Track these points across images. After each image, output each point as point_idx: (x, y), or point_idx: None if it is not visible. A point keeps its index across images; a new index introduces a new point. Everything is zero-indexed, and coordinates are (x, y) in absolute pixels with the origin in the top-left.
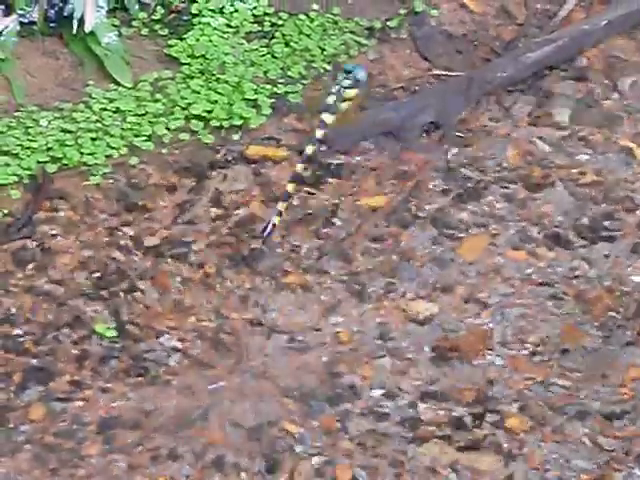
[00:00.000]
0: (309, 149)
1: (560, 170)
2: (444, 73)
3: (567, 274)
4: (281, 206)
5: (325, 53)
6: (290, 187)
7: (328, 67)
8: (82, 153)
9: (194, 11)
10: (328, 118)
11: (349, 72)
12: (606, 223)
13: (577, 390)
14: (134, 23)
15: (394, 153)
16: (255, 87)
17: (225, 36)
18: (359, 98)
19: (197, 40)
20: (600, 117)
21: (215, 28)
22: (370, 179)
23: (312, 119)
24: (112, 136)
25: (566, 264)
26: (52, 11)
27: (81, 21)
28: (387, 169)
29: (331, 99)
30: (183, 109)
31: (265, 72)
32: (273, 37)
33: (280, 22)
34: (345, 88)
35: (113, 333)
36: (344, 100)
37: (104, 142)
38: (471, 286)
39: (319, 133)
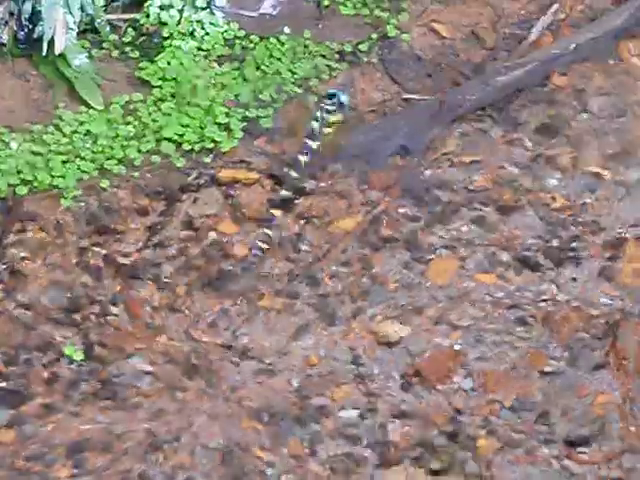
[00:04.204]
0: (292, 174)
1: (529, 193)
2: (414, 97)
3: (536, 297)
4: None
5: (296, 77)
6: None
7: (299, 90)
8: (53, 176)
9: (165, 34)
10: (313, 144)
11: (332, 96)
12: (574, 246)
13: (546, 413)
14: (105, 45)
15: (364, 176)
16: (226, 110)
17: (196, 59)
18: (342, 123)
19: (168, 63)
20: (569, 140)
21: (186, 51)
22: (340, 202)
23: (283, 142)
24: (83, 159)
25: (535, 287)
26: (22, 33)
27: (51, 43)
28: (356, 192)
29: (315, 124)
30: (154, 132)
31: (236, 95)
32: (244, 60)
33: (251, 45)
34: (329, 113)
35: (82, 356)
36: (328, 125)
37: (75, 165)
38: (440, 309)
39: (303, 159)
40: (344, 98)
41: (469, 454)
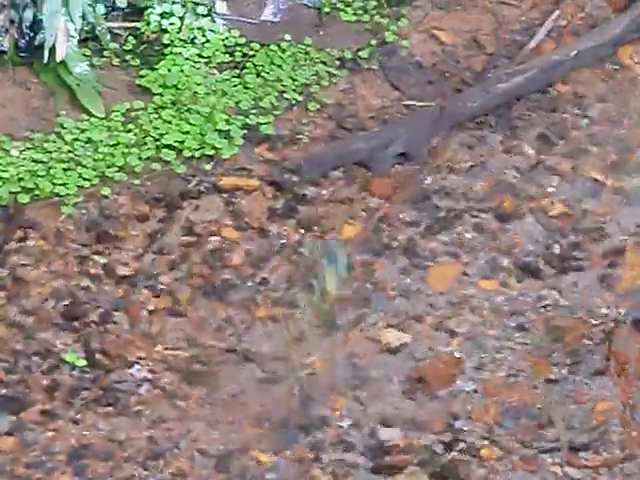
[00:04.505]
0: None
1: (530, 200)
2: (415, 103)
3: (536, 303)
4: None
5: (297, 83)
6: None
7: (299, 97)
8: (54, 183)
9: (166, 41)
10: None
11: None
12: (574, 253)
13: (547, 419)
14: (105, 53)
15: (364, 183)
16: (227, 117)
17: (197, 66)
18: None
19: (169, 70)
20: (569, 147)
21: (187, 58)
22: (340, 209)
23: (284, 149)
24: (84, 166)
25: (535, 294)
26: (23, 41)
27: (52, 51)
28: (357, 199)
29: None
30: (155, 139)
31: (237, 102)
32: (245, 67)
33: (252, 52)
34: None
35: (83, 363)
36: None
37: (76, 172)
38: (441, 316)
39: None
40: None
41: (470, 461)
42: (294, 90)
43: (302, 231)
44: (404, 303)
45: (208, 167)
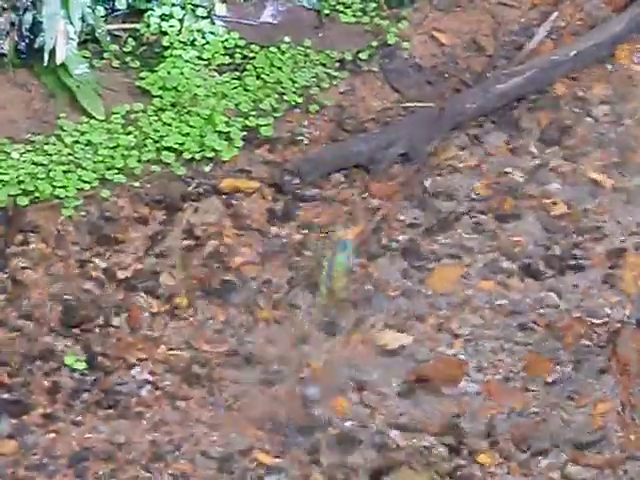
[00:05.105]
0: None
1: (531, 201)
2: (415, 105)
3: (537, 304)
4: None
5: (296, 85)
6: None
7: (299, 99)
8: (54, 186)
9: (165, 43)
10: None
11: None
12: (575, 253)
13: (548, 420)
14: (105, 55)
15: (365, 185)
16: (227, 119)
17: (197, 68)
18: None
19: (168, 72)
20: (570, 148)
21: (187, 60)
22: (341, 211)
23: (284, 151)
24: (84, 169)
25: (536, 294)
26: (23, 43)
27: (52, 53)
28: (358, 200)
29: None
30: (155, 142)
31: (237, 104)
32: (244, 69)
33: (251, 54)
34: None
35: (84, 366)
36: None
37: (76, 175)
38: (442, 317)
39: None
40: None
41: (470, 463)
42: (294, 92)
43: (302, 233)
44: (405, 304)
45: (208, 169)
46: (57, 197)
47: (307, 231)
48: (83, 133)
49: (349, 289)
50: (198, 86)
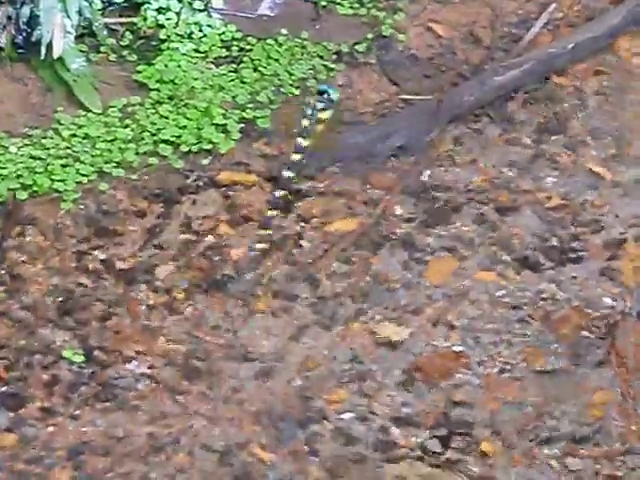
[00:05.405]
0: (286, 173)
1: (528, 193)
2: (412, 97)
3: (535, 296)
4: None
5: (293, 78)
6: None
7: (297, 92)
8: (52, 180)
9: (162, 36)
10: (304, 142)
11: (322, 93)
12: (573, 245)
13: (547, 412)
14: (102, 49)
15: (363, 177)
16: (224, 112)
17: (194, 61)
18: (332, 119)
19: (166, 65)
20: (567, 140)
21: (184, 53)
22: (339, 203)
23: (281, 143)
24: (82, 162)
25: (534, 286)
26: (20, 37)
27: (49, 47)
28: (356, 193)
29: (306, 122)
30: (152, 134)
31: (234, 97)
32: (241, 62)
33: (248, 47)
34: (319, 110)
35: (82, 359)
36: (319, 122)
37: (74, 168)
38: (440, 309)
39: (296, 157)
40: (334, 95)
41: (469, 454)
42: (291, 84)
43: (301, 224)
44: (403, 296)
45: (205, 162)
46: (55, 190)
47: (305, 224)
48: (80, 127)
49: (335, 135)
50: (195, 79)
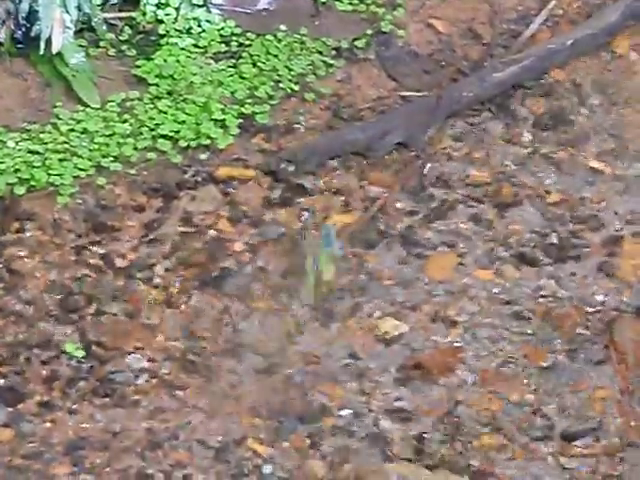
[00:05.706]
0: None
1: (527, 189)
2: (411, 93)
3: (534, 293)
4: None
5: (292, 73)
6: None
7: (296, 87)
8: (50, 174)
9: (161, 31)
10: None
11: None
12: (572, 241)
13: (546, 407)
14: (101, 44)
15: (361, 173)
16: (222, 107)
17: (193, 56)
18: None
19: (165, 60)
20: (566, 136)
21: (183, 48)
22: (338, 199)
23: (280, 139)
24: (80, 157)
25: (533, 283)
26: (19, 32)
27: (48, 42)
28: (355, 189)
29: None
30: (151, 129)
31: (232, 92)
32: (240, 57)
33: (247, 42)
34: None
35: (81, 353)
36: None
37: (72, 163)
38: (438, 305)
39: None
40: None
41: (468, 449)
42: (290, 80)
43: (299, 221)
44: (401, 292)
45: (204, 157)
46: (53, 185)
47: (303, 219)
48: (79, 121)
49: (336, 281)
50: (194, 74)
